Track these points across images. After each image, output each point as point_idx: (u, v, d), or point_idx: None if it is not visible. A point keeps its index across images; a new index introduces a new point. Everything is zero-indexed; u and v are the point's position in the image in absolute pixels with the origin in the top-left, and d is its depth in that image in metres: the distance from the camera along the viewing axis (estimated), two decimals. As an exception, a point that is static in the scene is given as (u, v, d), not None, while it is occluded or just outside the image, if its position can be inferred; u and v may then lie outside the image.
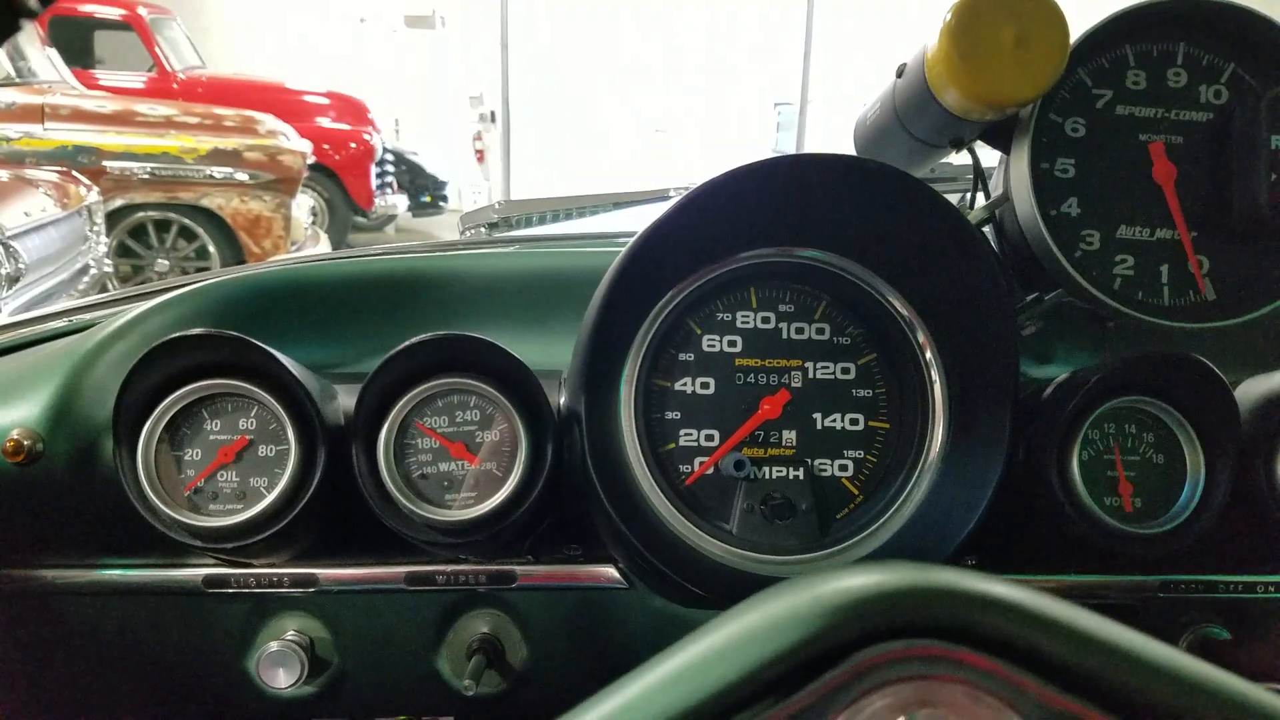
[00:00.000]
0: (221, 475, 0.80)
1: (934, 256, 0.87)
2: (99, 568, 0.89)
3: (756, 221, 0.88)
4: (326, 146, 7.18)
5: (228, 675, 0.92)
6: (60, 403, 0.83)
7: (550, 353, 0.95)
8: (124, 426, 0.76)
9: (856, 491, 0.95)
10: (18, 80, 5.42)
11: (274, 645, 0.89)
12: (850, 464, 0.95)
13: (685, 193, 0.82)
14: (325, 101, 7.87)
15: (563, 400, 0.88)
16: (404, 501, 0.80)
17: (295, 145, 5.95)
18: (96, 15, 6.86)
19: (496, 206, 1.69)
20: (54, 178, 4.56)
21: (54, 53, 5.77)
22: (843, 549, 0.90)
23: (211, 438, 0.80)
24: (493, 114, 9.64)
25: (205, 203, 5.52)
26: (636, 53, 9.42)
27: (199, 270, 5.34)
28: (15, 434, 0.80)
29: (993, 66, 0.79)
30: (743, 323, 0.95)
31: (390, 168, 8.13)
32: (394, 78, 9.48)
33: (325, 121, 7.64)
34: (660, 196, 1.76)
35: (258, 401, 0.81)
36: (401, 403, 0.82)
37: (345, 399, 0.86)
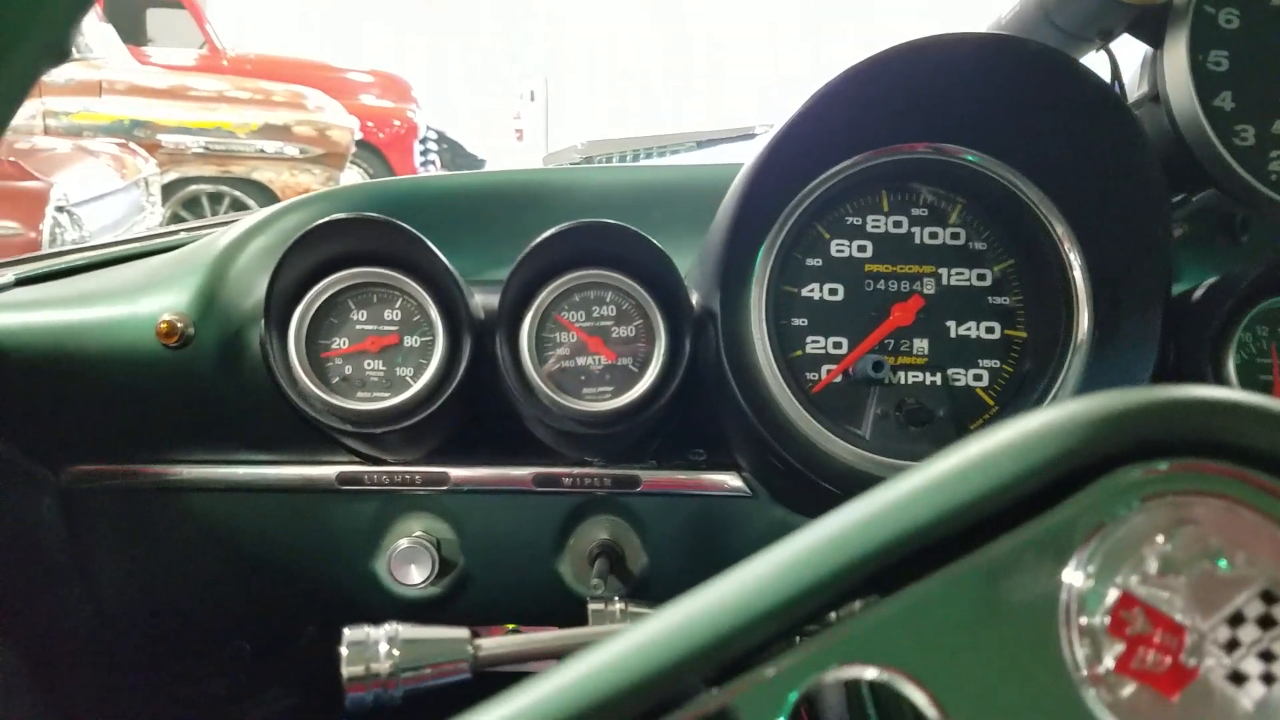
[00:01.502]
0: (369, 364, 0.80)
1: (1085, 150, 0.84)
2: (233, 464, 0.90)
3: (897, 113, 0.86)
4: (371, 124, 7.22)
5: (355, 575, 0.93)
6: (208, 290, 0.84)
7: None
8: (275, 310, 0.76)
9: (992, 402, 0.92)
10: (75, 56, 5.52)
11: (404, 543, 0.89)
12: (985, 374, 0.92)
13: (828, 81, 0.79)
14: (370, 80, 7.91)
15: (695, 299, 0.87)
16: (546, 391, 0.80)
17: (343, 121, 6.00)
18: (148, -6, 6.96)
19: (579, 147, 1.68)
20: (114, 149, 4.65)
21: (110, 29, 5.86)
22: (982, 455, 0.88)
23: (358, 327, 0.80)
24: (532, 93, 9.63)
25: (256, 176, 5.61)
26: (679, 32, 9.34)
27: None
28: (168, 316, 0.80)
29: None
30: (873, 227, 0.93)
31: (433, 145, 8.17)
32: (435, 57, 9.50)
33: (370, 99, 7.68)
34: (745, 135, 1.74)
35: (403, 292, 0.81)
36: (544, 294, 0.81)
37: (481, 297, 0.86)
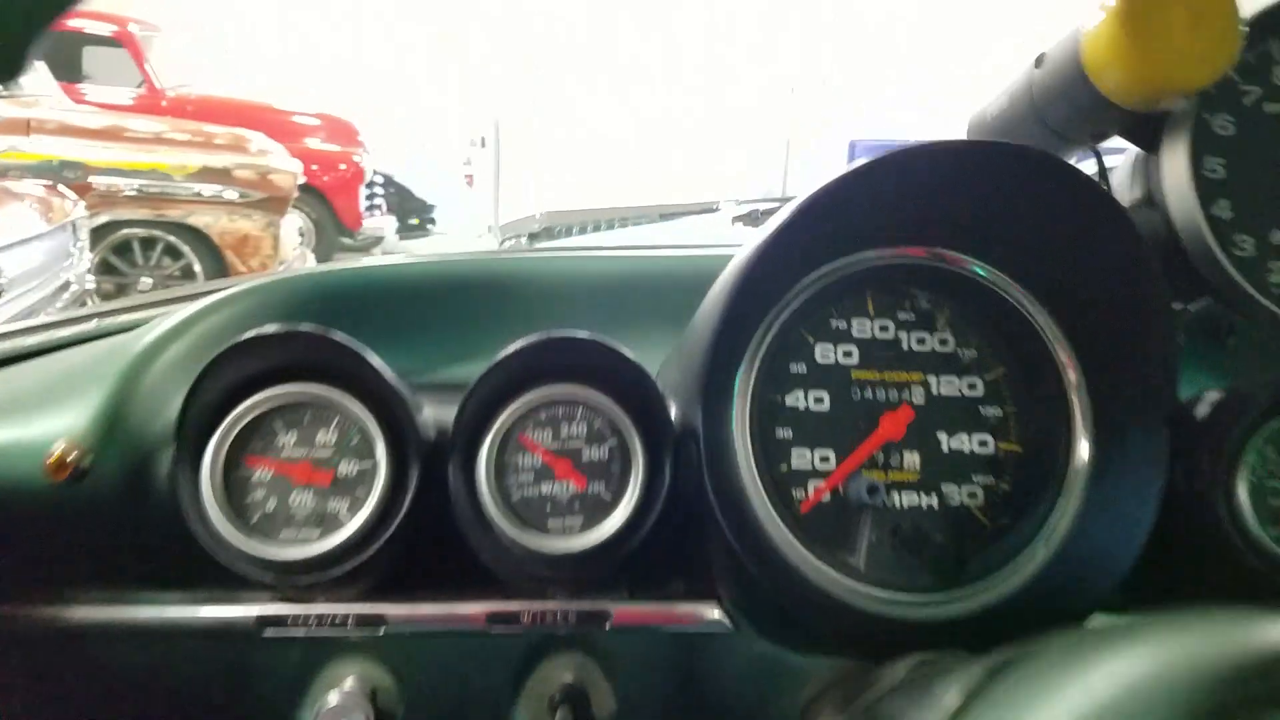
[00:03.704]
0: (295, 498, 0.69)
1: (1081, 256, 0.79)
2: (136, 604, 0.77)
3: (886, 218, 0.80)
4: (315, 167, 7.06)
5: None
6: (111, 410, 0.72)
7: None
8: (188, 439, 0.65)
9: (988, 522, 0.85)
10: (3, 93, 5.28)
11: (334, 697, 0.77)
12: (980, 490, 0.85)
13: (821, 185, 0.73)
14: (315, 123, 7.77)
15: (672, 411, 0.78)
16: (505, 529, 0.70)
17: (286, 165, 5.84)
18: (86, 31, 6.73)
19: (538, 216, 1.60)
20: (40, 191, 4.42)
21: (42, 65, 5.63)
22: (983, 585, 0.80)
23: (285, 454, 0.69)
24: (483, 139, 9.58)
25: (192, 220, 5.40)
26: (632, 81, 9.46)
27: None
28: (60, 447, 0.68)
29: (1166, 47, 0.72)
30: (859, 331, 0.86)
31: (380, 189, 8.03)
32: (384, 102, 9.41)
33: (314, 142, 7.53)
34: (708, 209, 1.68)
35: (339, 411, 0.70)
36: (506, 413, 0.72)
37: (431, 410, 0.76)
